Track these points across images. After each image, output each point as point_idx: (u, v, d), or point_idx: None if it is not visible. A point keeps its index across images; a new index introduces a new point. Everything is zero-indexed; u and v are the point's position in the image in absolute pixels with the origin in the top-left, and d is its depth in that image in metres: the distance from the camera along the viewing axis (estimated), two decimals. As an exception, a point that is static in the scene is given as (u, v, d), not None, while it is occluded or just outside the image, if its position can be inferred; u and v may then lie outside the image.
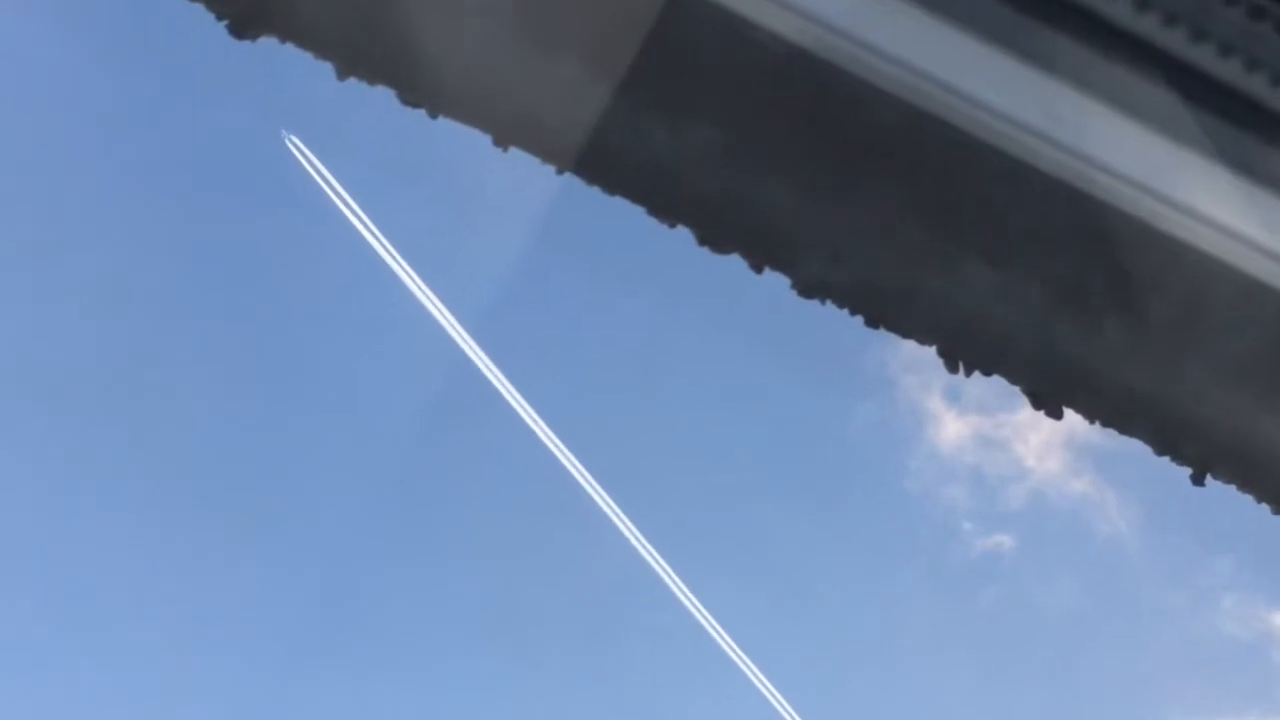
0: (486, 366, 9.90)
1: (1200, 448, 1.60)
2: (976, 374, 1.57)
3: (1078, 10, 1.30)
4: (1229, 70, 1.34)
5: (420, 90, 1.29)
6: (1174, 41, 1.32)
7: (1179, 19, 1.34)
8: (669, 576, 10.35)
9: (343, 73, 1.29)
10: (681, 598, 10.34)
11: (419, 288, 9.73)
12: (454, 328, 9.82)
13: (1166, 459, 1.63)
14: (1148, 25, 1.31)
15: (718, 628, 10.37)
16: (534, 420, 10.01)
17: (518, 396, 9.98)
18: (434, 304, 9.78)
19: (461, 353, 9.93)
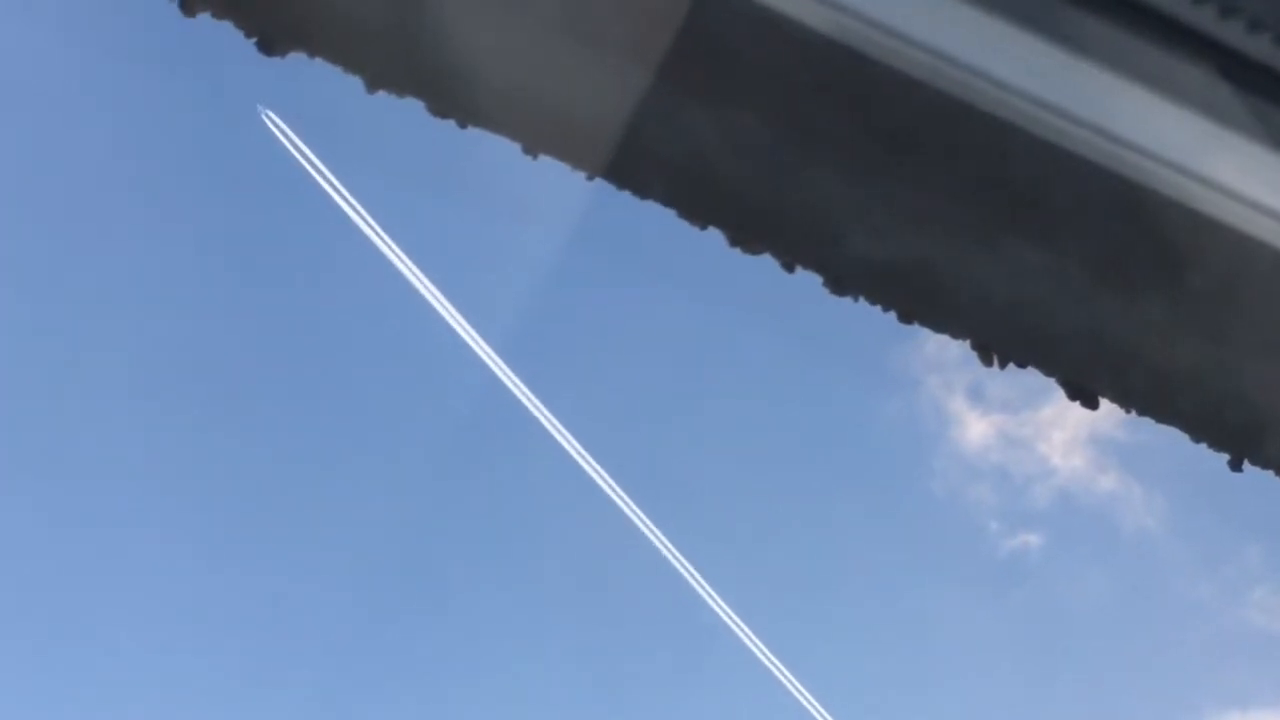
0: (514, 383, 9.91)
1: (1237, 433, 1.60)
2: (1011, 366, 1.57)
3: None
4: (1259, 46, 1.34)
5: (450, 100, 1.29)
6: (1202, 18, 1.32)
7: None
8: (697, 582, 10.35)
9: (372, 86, 1.29)
10: (712, 604, 10.34)
11: (443, 305, 9.74)
12: (479, 345, 9.83)
13: (1203, 445, 1.62)
14: (1176, 3, 1.31)
15: (749, 633, 10.36)
16: (561, 433, 10.01)
17: (546, 412, 9.98)
18: (459, 322, 9.79)
19: (490, 370, 9.94)
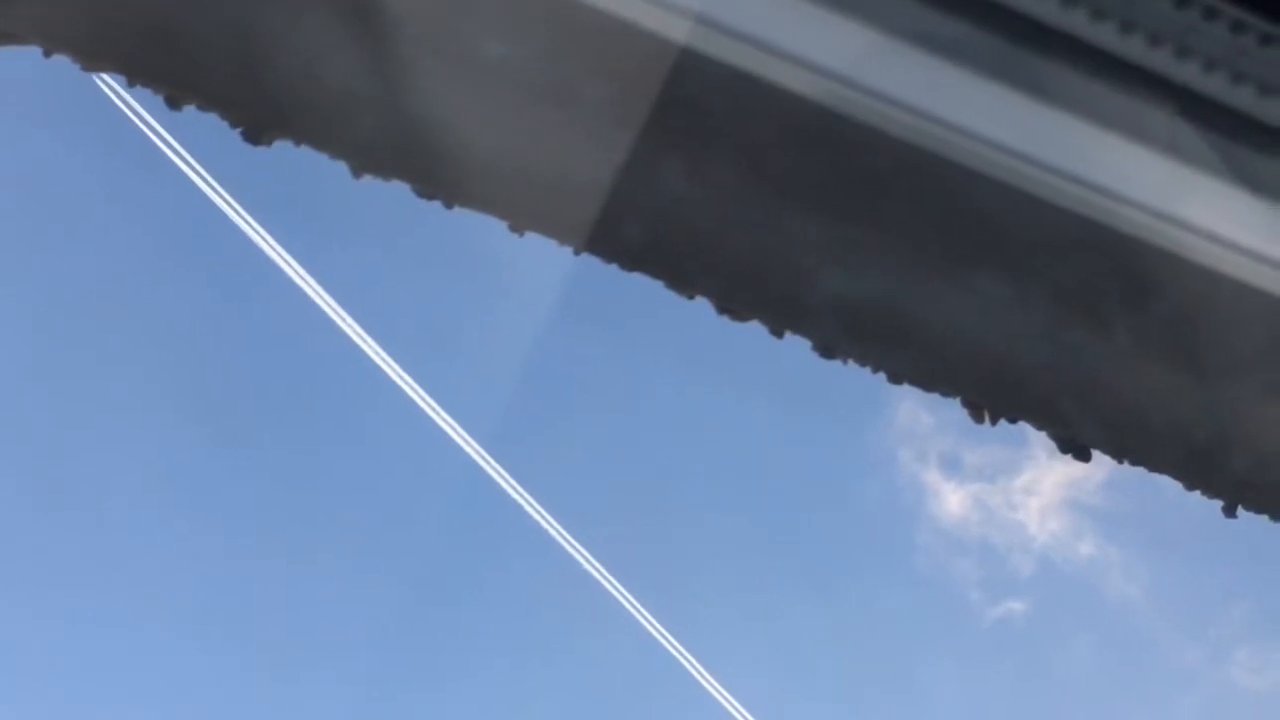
0: (502, 476, 9.88)
1: (1231, 479, 1.60)
2: (1002, 422, 1.58)
3: (1065, 37, 1.33)
4: (1215, 84, 1.36)
5: (436, 182, 1.30)
6: (1160, 60, 1.35)
7: (1163, 38, 1.37)
8: (697, 671, 10.28)
9: (357, 171, 1.30)
10: (714, 693, 10.26)
11: (422, 398, 9.72)
12: (465, 440, 9.80)
13: (1196, 493, 1.62)
14: (1133, 46, 1.34)
15: (749, 717, 10.28)
16: (547, 520, 9.98)
17: (535, 504, 9.95)
18: (442, 417, 9.77)
19: (476, 465, 9.91)
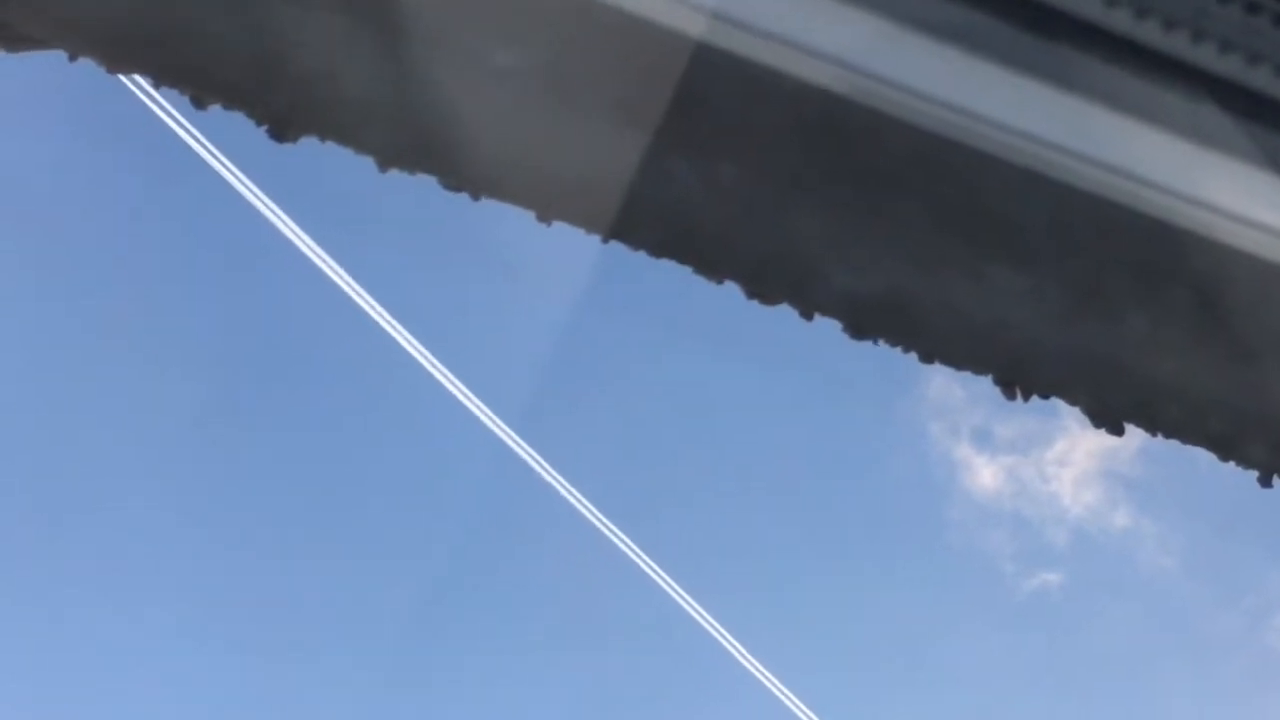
0: (533, 458, 9.91)
1: (1267, 448, 1.60)
2: (1035, 398, 1.58)
3: (1079, 22, 1.34)
4: (1232, 66, 1.37)
5: (461, 175, 1.31)
6: (1176, 44, 1.36)
7: (1178, 22, 1.38)
8: (731, 645, 10.30)
9: (384, 165, 1.31)
10: (749, 667, 10.28)
11: (454, 384, 9.76)
12: (495, 422, 9.83)
13: (1231, 464, 1.62)
14: (1149, 31, 1.35)
15: (788, 693, 10.30)
16: (578, 498, 10.01)
17: (566, 484, 9.98)
18: (472, 400, 9.80)
19: (507, 447, 9.94)
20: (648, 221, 1.32)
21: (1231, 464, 1.62)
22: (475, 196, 1.34)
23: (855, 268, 1.37)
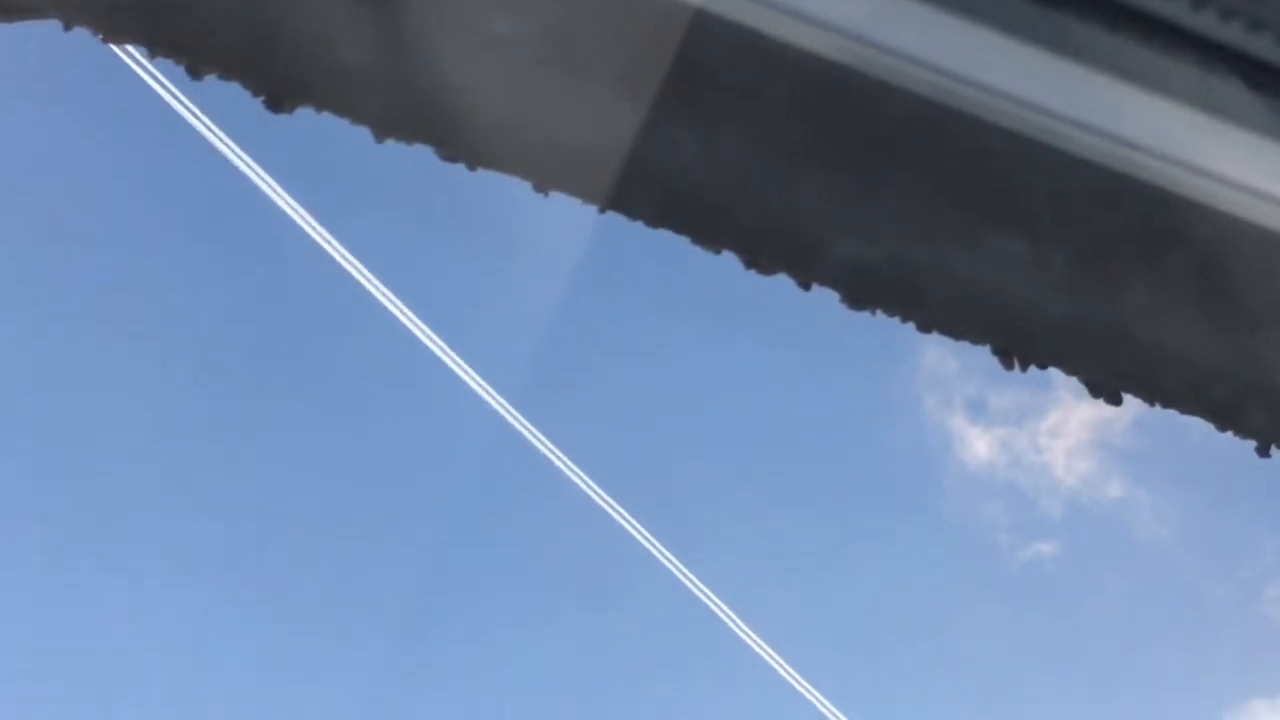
0: (528, 429, 9.91)
1: (1266, 417, 1.60)
2: (1033, 368, 1.57)
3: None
4: (1233, 33, 1.37)
5: (458, 145, 1.30)
6: (1176, 10, 1.35)
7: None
8: (728, 616, 10.33)
9: (380, 135, 1.30)
10: (746, 638, 10.32)
11: (450, 356, 9.75)
12: (491, 395, 9.83)
13: (1229, 434, 1.62)
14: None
15: (786, 666, 10.34)
16: (573, 470, 10.02)
17: (563, 456, 9.99)
18: (468, 372, 9.80)
19: (504, 420, 9.95)
20: (646, 191, 1.31)
21: (1230, 433, 1.62)
22: (472, 167, 1.33)
23: (855, 237, 1.37)
